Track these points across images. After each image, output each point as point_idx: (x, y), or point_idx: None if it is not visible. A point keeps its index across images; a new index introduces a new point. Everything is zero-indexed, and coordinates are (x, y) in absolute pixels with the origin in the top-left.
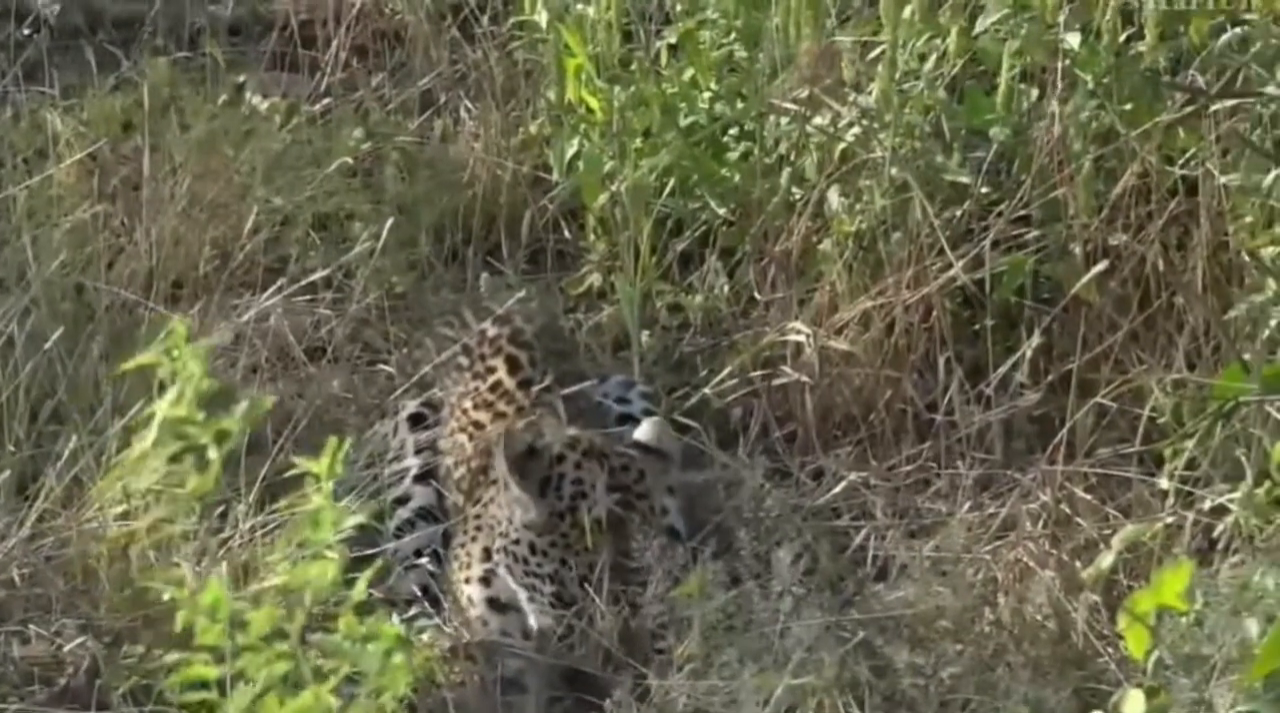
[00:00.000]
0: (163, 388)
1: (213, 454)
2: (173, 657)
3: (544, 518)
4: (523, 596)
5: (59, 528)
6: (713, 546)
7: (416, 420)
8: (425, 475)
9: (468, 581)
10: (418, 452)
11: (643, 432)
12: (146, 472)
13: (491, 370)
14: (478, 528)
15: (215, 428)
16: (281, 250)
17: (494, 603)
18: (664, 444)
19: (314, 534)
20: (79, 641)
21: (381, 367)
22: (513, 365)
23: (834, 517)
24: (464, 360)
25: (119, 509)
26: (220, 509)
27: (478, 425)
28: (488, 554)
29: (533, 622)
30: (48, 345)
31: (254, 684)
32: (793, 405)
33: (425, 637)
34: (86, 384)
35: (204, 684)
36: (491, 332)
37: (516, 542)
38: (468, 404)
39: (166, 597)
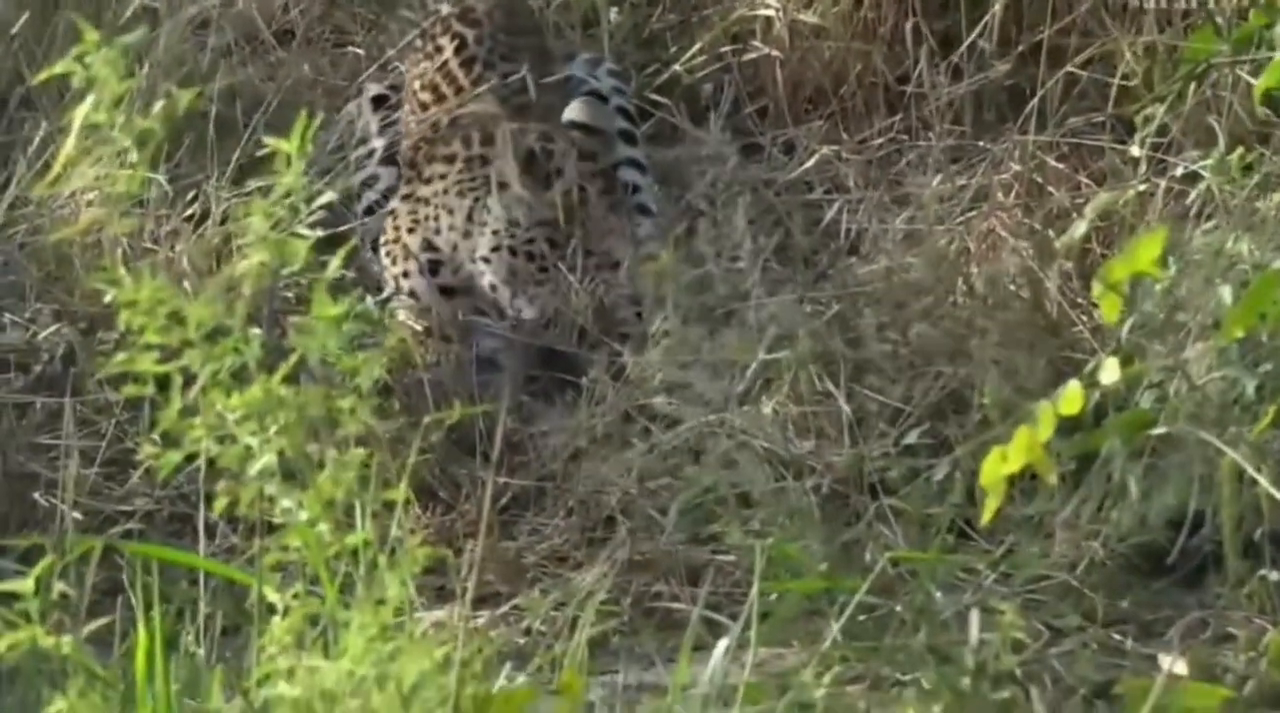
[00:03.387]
0: (81, 95)
1: (135, 156)
2: (118, 356)
3: (554, 213)
4: (528, 291)
5: (31, 215)
6: (685, 222)
7: (380, 102)
8: (391, 157)
9: (405, 275)
10: (381, 133)
11: (577, 111)
12: (75, 177)
13: (440, 50)
14: (415, 221)
15: (138, 130)
16: None
17: (445, 291)
18: (600, 123)
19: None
20: (54, 327)
21: (350, 49)
22: (459, 44)
23: (806, 191)
24: (419, 42)
25: (91, 195)
26: (193, 193)
27: (424, 106)
28: (429, 246)
29: (526, 313)
30: (14, 30)
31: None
32: (763, 80)
33: (400, 316)
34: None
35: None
36: (445, 10)
37: (531, 241)
38: (417, 85)
39: (108, 299)
